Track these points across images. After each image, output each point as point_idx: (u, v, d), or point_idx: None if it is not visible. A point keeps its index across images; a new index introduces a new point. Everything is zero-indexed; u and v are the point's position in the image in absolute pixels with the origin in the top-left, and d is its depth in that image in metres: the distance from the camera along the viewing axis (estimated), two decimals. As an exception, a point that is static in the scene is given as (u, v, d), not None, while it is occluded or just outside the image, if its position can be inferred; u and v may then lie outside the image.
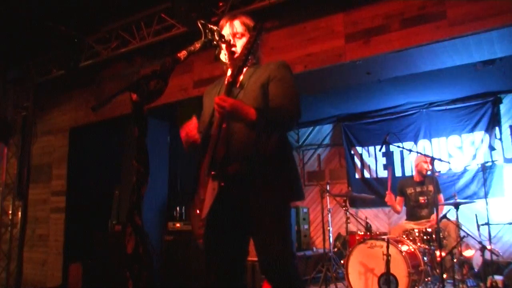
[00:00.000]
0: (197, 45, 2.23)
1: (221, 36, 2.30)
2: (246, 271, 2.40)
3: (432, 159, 4.92)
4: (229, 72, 2.34)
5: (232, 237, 2.30)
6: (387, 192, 5.83)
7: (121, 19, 5.87)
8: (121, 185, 6.46)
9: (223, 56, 2.42)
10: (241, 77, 2.33)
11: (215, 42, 2.28)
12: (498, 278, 4.84)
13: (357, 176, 7.68)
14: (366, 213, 7.07)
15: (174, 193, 6.95)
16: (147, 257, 1.69)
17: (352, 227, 5.71)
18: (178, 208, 6.38)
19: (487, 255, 5.02)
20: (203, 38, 2.26)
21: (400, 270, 4.45)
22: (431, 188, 5.63)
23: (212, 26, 2.30)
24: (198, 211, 2.24)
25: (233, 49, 2.38)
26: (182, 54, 2.15)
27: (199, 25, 2.27)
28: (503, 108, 6.58)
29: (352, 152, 7.77)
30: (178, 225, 6.02)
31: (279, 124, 2.24)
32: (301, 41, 4.96)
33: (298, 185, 2.34)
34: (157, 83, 1.95)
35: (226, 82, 2.25)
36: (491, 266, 5.02)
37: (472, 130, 6.73)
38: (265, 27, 4.51)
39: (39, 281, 6.88)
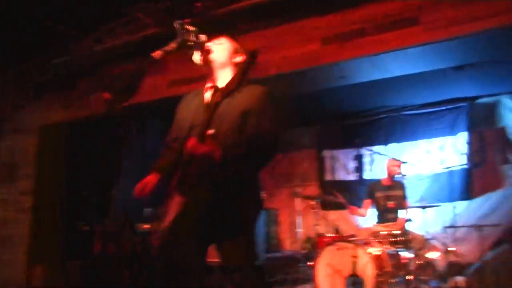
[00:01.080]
0: (173, 45, 2.23)
1: (197, 37, 2.31)
2: (205, 273, 2.41)
3: (402, 162, 5.03)
4: (209, 85, 2.46)
5: (192, 246, 2.30)
6: (349, 207, 5.91)
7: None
8: (91, 186, 6.35)
9: (197, 58, 2.42)
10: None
11: (191, 43, 2.28)
12: (461, 279, 5.00)
13: (327, 178, 7.75)
14: (336, 215, 7.13)
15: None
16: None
17: (321, 229, 5.76)
18: (148, 210, 6.30)
19: (451, 256, 5.17)
20: (179, 39, 2.26)
21: (367, 272, 4.52)
22: (399, 193, 5.74)
23: (188, 26, 2.30)
24: (160, 222, 2.29)
25: (210, 57, 2.42)
26: (158, 54, 2.14)
27: (176, 25, 2.27)
28: (472, 113, 6.74)
29: (323, 154, 7.84)
30: (147, 226, 5.96)
31: (253, 166, 2.33)
32: (277, 43, 4.98)
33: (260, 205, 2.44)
34: (131, 82, 1.94)
35: (207, 102, 2.35)
36: (454, 267, 5.16)
37: (441, 134, 6.89)
38: (242, 28, 4.53)
39: (2, 283, 6.70)
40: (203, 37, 2.35)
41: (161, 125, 6.78)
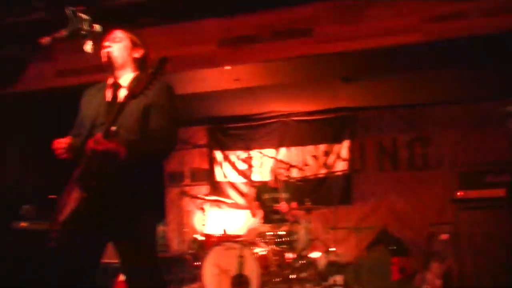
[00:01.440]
0: (63, 32, 2.12)
1: (91, 27, 2.21)
2: (96, 272, 2.37)
3: (289, 166, 5.23)
4: (111, 81, 2.44)
5: (88, 243, 2.26)
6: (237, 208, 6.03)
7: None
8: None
9: (89, 47, 2.33)
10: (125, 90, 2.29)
11: (84, 32, 2.18)
12: (339, 277, 5.34)
13: (218, 178, 7.81)
14: (224, 216, 7.21)
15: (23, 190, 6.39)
16: None
17: (210, 229, 5.79)
18: (26, 207, 5.84)
19: (331, 256, 5.50)
20: (70, 26, 2.15)
21: (252, 271, 4.63)
22: (285, 195, 5.96)
23: (81, 14, 2.19)
24: (56, 215, 2.22)
25: (110, 54, 2.39)
26: (45, 40, 2.02)
27: (67, 12, 2.15)
28: (355, 123, 7.20)
29: (215, 155, 7.89)
30: (24, 224, 5.54)
31: (152, 159, 2.34)
32: (174, 42, 4.93)
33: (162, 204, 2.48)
34: (13, 69, 1.81)
35: (109, 100, 2.36)
36: (333, 266, 5.50)
37: (326, 141, 7.28)
38: (139, 22, 4.42)
39: None
40: (97, 27, 2.25)
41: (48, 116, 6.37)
